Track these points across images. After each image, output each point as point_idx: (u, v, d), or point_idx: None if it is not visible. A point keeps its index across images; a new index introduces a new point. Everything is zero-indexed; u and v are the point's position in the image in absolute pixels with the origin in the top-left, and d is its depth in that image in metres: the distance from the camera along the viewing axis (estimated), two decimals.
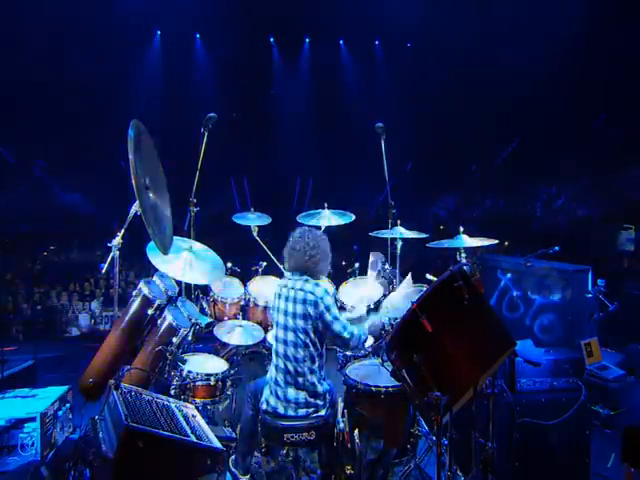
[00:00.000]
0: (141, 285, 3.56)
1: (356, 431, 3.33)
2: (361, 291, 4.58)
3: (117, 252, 3.30)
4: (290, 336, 3.22)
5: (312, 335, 3.22)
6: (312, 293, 3.20)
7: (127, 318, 3.47)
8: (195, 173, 4.31)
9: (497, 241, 3.96)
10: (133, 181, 2.99)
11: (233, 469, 3.47)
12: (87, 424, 2.96)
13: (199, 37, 10.26)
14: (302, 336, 3.21)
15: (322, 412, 3.27)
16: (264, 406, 3.26)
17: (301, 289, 3.23)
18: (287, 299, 3.25)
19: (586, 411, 3.43)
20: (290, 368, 3.22)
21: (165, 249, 3.43)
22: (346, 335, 3.23)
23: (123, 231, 3.32)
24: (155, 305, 3.56)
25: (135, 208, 3.18)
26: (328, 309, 3.22)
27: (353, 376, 3.57)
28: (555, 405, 3.38)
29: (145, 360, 3.41)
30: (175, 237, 3.80)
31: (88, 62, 8.41)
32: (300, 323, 3.20)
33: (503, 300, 5.72)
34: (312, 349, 3.24)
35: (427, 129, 10.04)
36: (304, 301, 3.21)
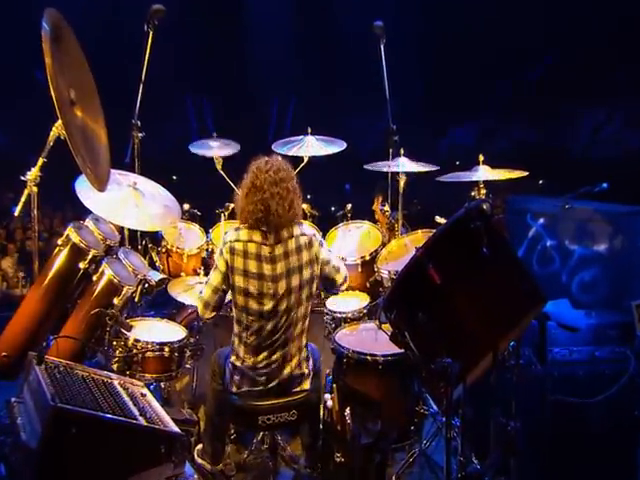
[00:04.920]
0: (69, 231, 3.46)
1: (347, 410, 3.37)
2: (354, 240, 4.60)
3: (34, 189, 3.20)
4: (282, 304, 3.15)
5: (307, 291, 3.22)
6: (304, 234, 3.22)
7: (51, 274, 3.40)
8: (138, 87, 4.20)
9: (527, 173, 3.94)
10: (52, 93, 2.87)
11: (199, 460, 3.53)
12: (1, 408, 2.95)
13: None
14: (296, 297, 3.17)
15: (305, 385, 3.30)
16: (233, 387, 3.26)
17: (290, 236, 3.17)
18: (271, 259, 3.13)
19: (636, 387, 3.46)
20: (276, 343, 3.19)
21: (101, 185, 3.34)
22: (343, 272, 3.42)
23: (41, 160, 3.20)
24: (89, 257, 3.48)
25: (57, 130, 3.07)
26: (322, 244, 3.31)
27: (344, 343, 3.60)
28: (597, 379, 3.40)
29: (77, 327, 3.39)
30: (114, 170, 3.73)
31: None
32: (295, 281, 3.15)
33: (534, 251, 5.71)
34: (304, 309, 3.25)
35: (438, 34, 9.82)
36: (298, 248, 3.17)
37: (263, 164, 3.19)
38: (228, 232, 3.24)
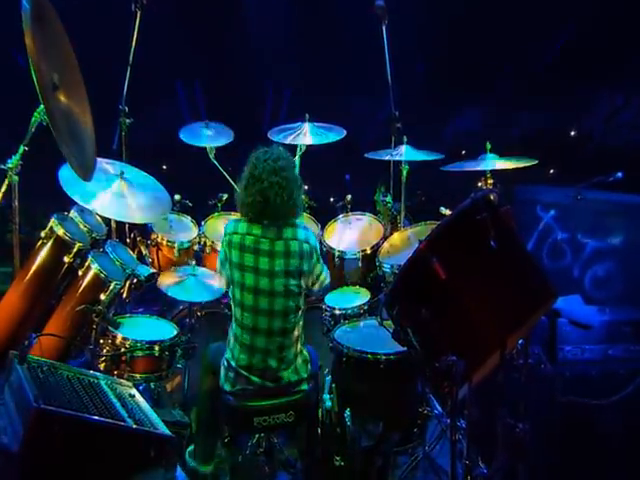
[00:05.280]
0: (53, 223, 3.47)
1: (347, 411, 3.38)
2: (354, 233, 4.60)
3: (15, 178, 3.18)
4: (278, 304, 3.16)
5: (304, 296, 3.27)
6: (307, 242, 3.21)
7: (34, 268, 3.41)
8: (125, 71, 4.18)
9: (537, 161, 3.93)
10: (34, 76, 2.84)
11: (191, 463, 3.52)
12: None
13: None
14: (294, 300, 3.20)
15: (303, 386, 3.30)
16: (227, 386, 3.26)
17: (294, 237, 3.17)
18: (269, 254, 3.13)
19: None
20: (272, 347, 3.20)
21: (86, 174, 3.35)
22: (327, 283, 3.46)
23: (23, 148, 3.20)
24: (74, 250, 3.48)
25: (39, 116, 3.05)
26: (319, 259, 3.33)
27: (344, 341, 3.61)
28: (610, 379, 3.41)
29: (62, 324, 3.40)
30: (100, 158, 3.74)
31: None
32: (293, 283, 3.16)
33: (544, 245, 5.72)
34: (301, 314, 3.29)
35: (444, 13, 9.77)
36: (301, 254, 3.17)
37: (262, 154, 3.19)
38: (229, 223, 3.27)
